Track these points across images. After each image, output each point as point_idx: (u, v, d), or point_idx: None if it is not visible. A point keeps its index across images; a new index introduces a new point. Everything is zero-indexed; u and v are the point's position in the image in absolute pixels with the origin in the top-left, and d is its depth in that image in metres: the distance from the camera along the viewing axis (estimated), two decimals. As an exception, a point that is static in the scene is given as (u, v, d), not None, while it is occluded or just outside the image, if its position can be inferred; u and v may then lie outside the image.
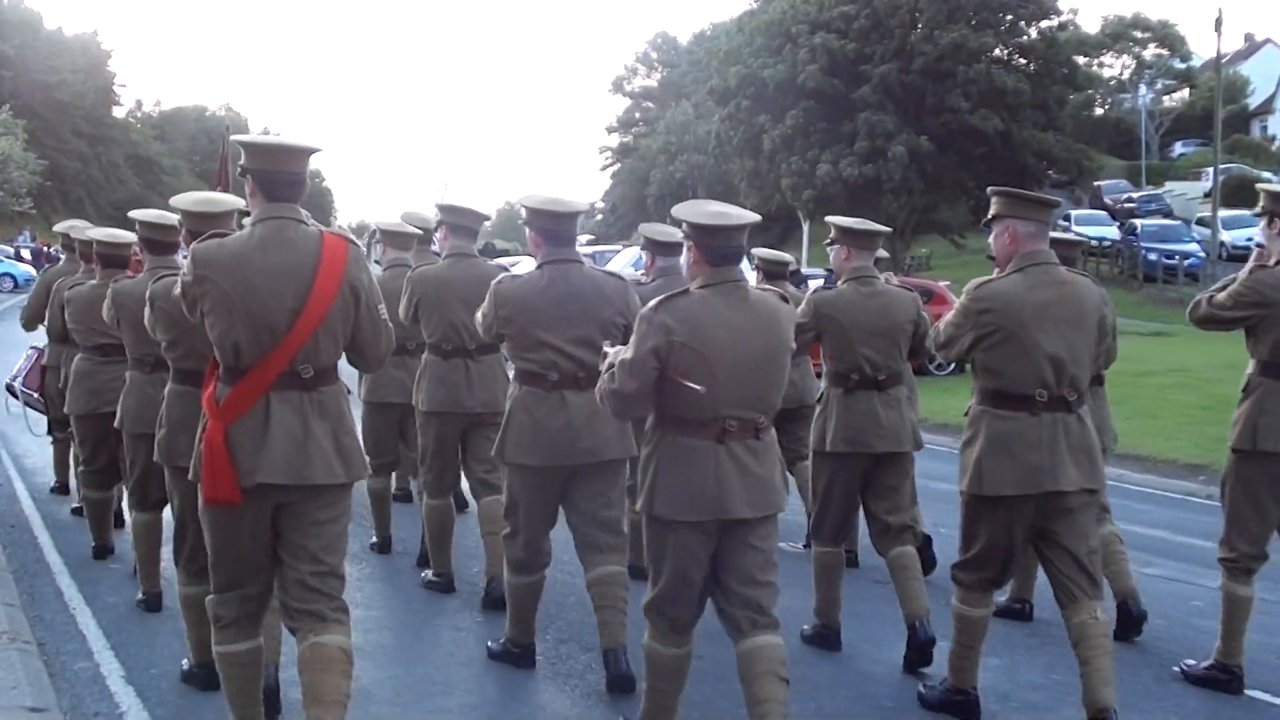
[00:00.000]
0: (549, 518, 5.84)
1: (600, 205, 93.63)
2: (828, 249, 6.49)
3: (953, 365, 21.19)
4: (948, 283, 26.77)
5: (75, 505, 9.29)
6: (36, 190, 69.26)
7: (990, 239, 5.31)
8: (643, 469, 4.69)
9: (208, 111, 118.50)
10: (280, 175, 4.36)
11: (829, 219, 6.60)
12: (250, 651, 4.56)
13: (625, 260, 29.50)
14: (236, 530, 4.34)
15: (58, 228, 9.68)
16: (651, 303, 4.60)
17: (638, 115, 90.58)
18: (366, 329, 4.45)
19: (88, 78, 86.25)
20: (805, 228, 46.29)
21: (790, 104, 40.12)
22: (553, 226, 5.76)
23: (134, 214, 6.10)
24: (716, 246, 4.58)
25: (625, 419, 5.33)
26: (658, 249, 7.54)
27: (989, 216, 5.33)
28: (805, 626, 6.50)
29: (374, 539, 8.42)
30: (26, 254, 51.39)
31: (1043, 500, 5.14)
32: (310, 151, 4.46)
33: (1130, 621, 6.71)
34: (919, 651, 6.11)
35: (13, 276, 45.90)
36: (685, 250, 4.78)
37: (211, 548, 4.45)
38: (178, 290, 4.52)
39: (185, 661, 5.67)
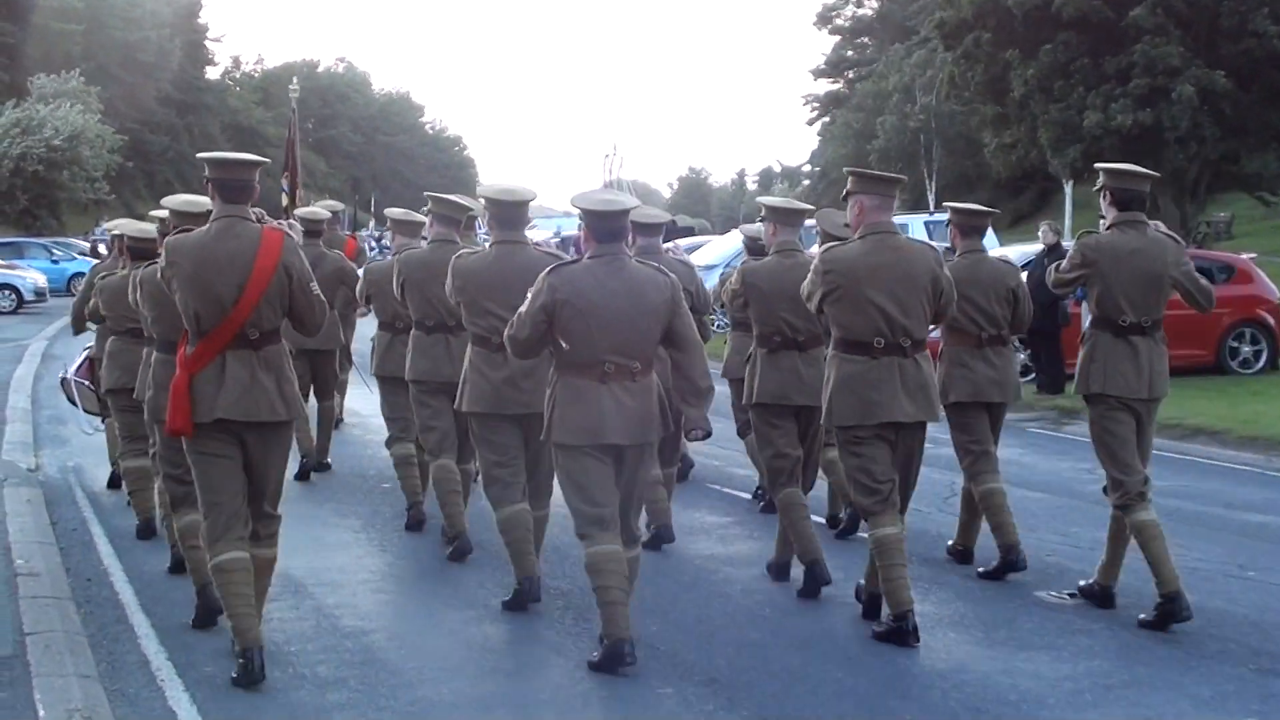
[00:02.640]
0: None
1: (805, 168, 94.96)
2: (1100, 213, 8.95)
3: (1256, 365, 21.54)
4: (1252, 255, 25.05)
5: (110, 477, 12.99)
6: (115, 171, 71.85)
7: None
8: (546, 405, 7.67)
9: (320, 68, 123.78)
10: (232, 182, 7.43)
11: (761, 199, 9.74)
12: (236, 560, 7.41)
13: (725, 247, 30.91)
14: (209, 455, 7.40)
15: (106, 226, 12.28)
16: (545, 269, 7.61)
17: (850, 54, 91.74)
18: (300, 301, 7.51)
19: (174, 34, 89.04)
20: (1068, 190, 46.87)
21: (1044, 36, 40.69)
22: (503, 214, 8.90)
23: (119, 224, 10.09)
24: (604, 227, 7.63)
25: (524, 359, 8.04)
26: (640, 230, 10.27)
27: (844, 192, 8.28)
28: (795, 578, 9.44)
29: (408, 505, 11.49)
30: (104, 249, 55.55)
31: (884, 429, 8.04)
32: (257, 164, 7.51)
33: (1008, 566, 9.69)
34: (812, 585, 9.18)
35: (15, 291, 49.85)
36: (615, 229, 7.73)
37: (196, 478, 7.51)
38: (159, 275, 7.49)
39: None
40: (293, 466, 12.31)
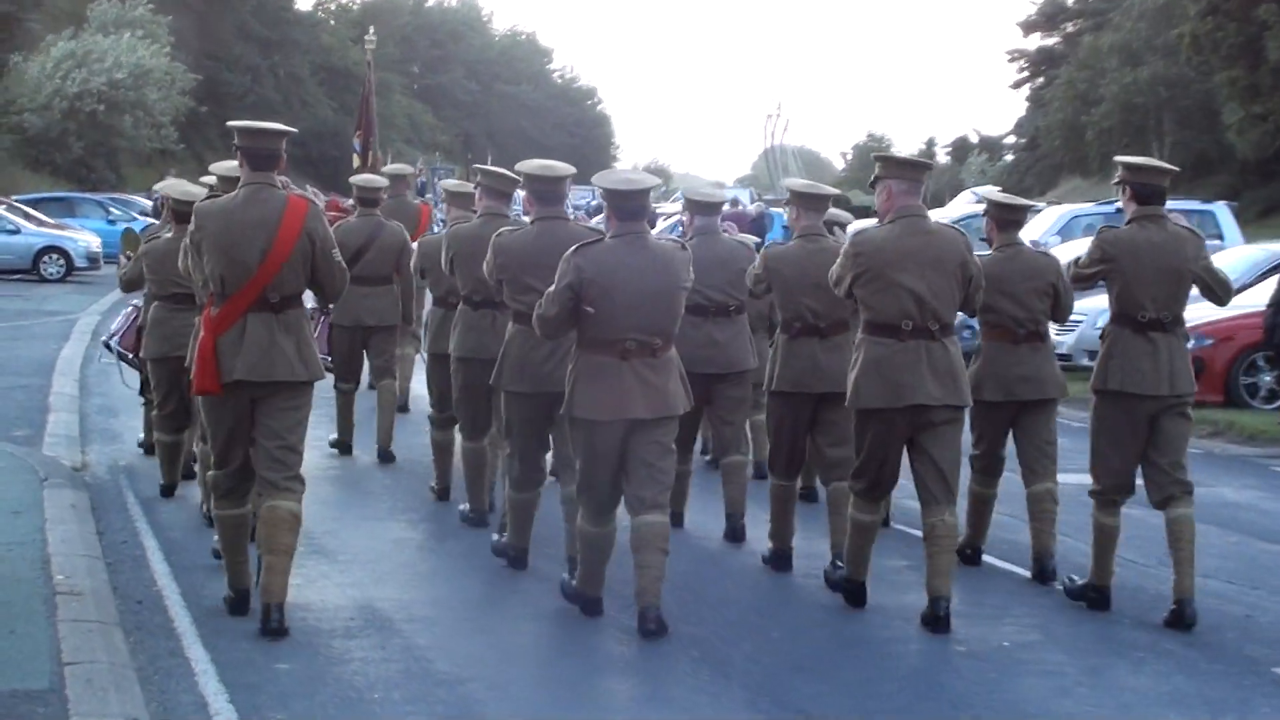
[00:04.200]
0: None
1: (1009, 139, 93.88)
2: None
3: None
4: None
5: (140, 440, 14.95)
6: (185, 116, 72.22)
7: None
8: (568, 381, 9.38)
9: (429, 1, 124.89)
10: (260, 151, 9.26)
11: (785, 181, 11.31)
12: (239, 515, 9.54)
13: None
14: (224, 417, 9.26)
15: (157, 186, 12.74)
16: (572, 248, 9.28)
17: (1071, 2, 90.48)
18: (322, 268, 9.27)
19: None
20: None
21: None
22: (543, 190, 10.42)
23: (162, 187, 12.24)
24: (625, 206, 9.37)
25: (552, 339, 9.73)
26: (697, 209, 12.34)
27: (873, 178, 9.92)
28: (764, 551, 11.36)
29: (433, 484, 13.46)
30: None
31: (912, 414, 9.51)
32: (283, 133, 9.38)
33: (1044, 576, 11.00)
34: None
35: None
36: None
37: (210, 433, 9.47)
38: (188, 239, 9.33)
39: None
40: (323, 440, 14.96)
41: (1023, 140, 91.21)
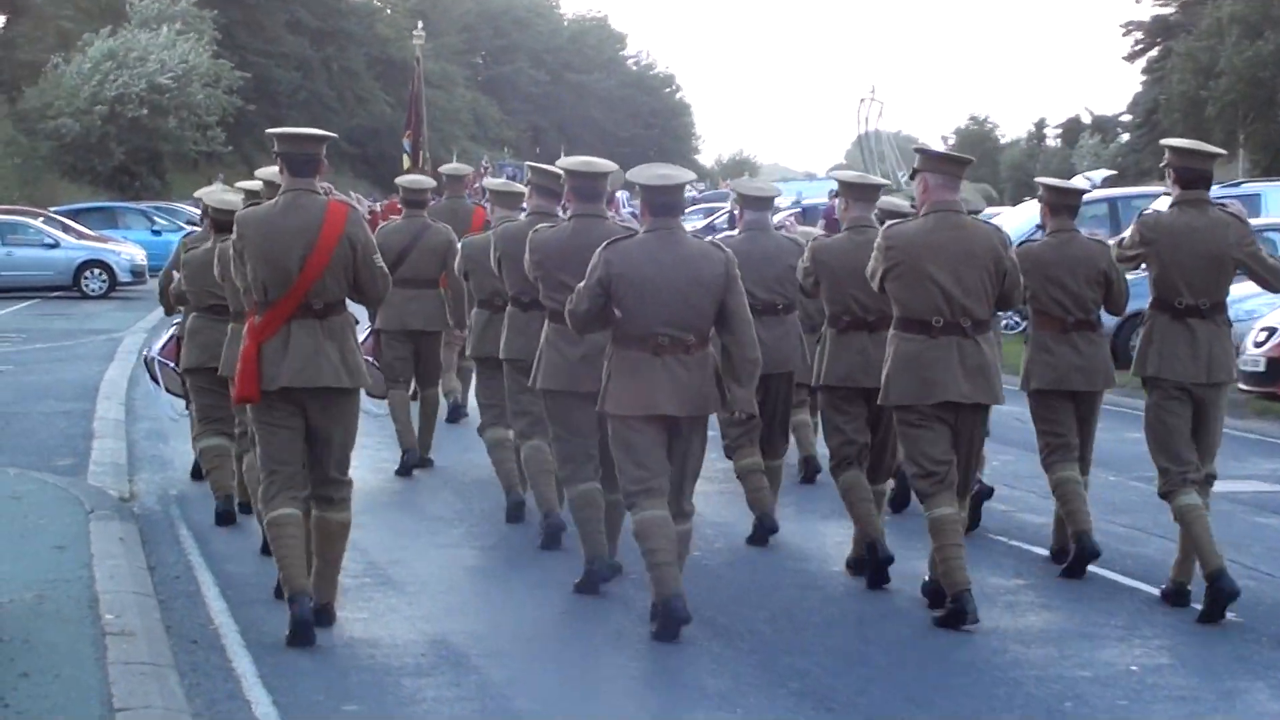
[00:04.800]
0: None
1: (1125, 118, 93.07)
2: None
3: None
4: None
5: (194, 466, 14.89)
6: (234, 117, 72.70)
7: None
8: (603, 377, 10.02)
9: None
10: (299, 156, 9.91)
11: (834, 173, 12.42)
12: (288, 516, 9.88)
13: (1020, 220, 30.61)
14: (272, 423, 9.90)
15: (198, 193, 13.28)
16: (603, 244, 9.97)
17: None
18: (363, 273, 9.91)
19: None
20: None
21: None
22: (581, 186, 11.14)
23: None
24: (659, 201, 10.03)
25: (584, 334, 10.37)
26: (748, 204, 12.90)
27: (911, 170, 10.58)
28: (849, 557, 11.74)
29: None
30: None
31: (941, 410, 10.06)
32: (322, 139, 10.07)
33: (1082, 557, 11.46)
34: (875, 570, 11.31)
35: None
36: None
37: (258, 439, 10.08)
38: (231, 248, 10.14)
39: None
40: (389, 463, 15.76)
41: (1138, 119, 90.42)
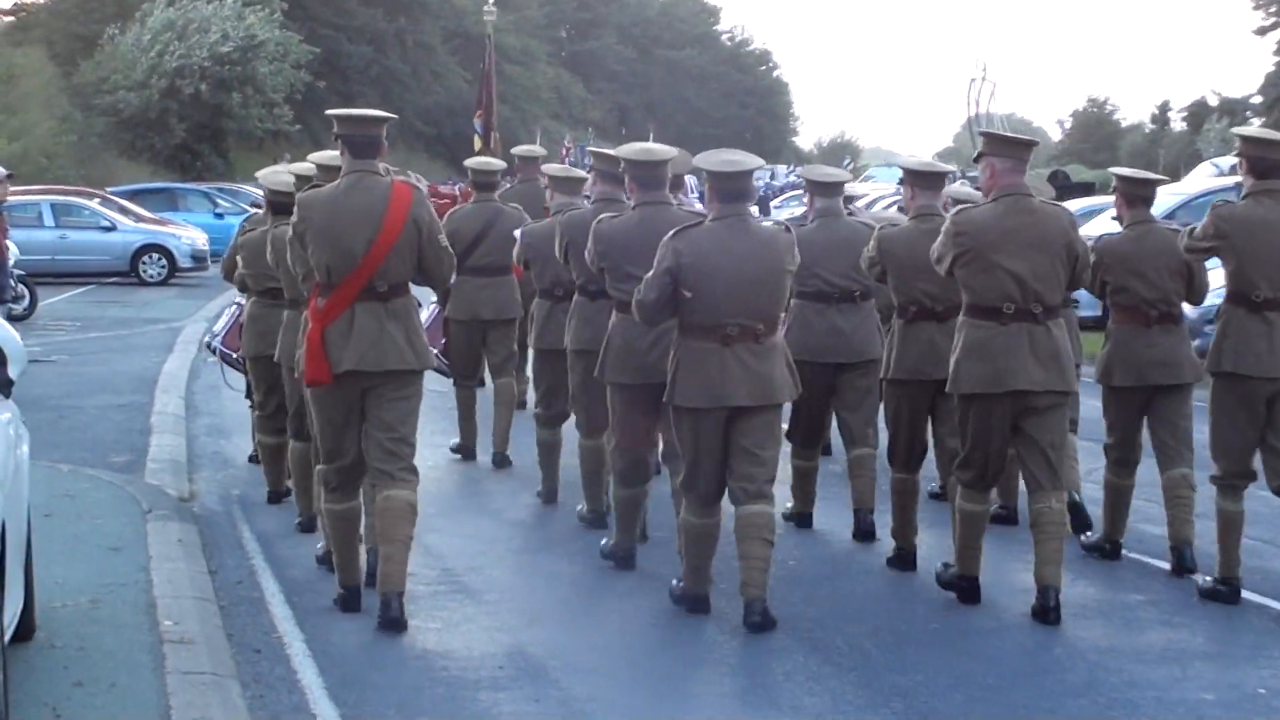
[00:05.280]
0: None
1: (1256, 99, 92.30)
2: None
3: None
4: None
5: (251, 453, 15.90)
6: (302, 93, 72.59)
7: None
8: (670, 369, 10.41)
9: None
10: (361, 138, 10.36)
11: (899, 161, 13.04)
12: (349, 509, 10.65)
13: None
14: (333, 409, 10.36)
15: (260, 174, 13.39)
16: (670, 232, 10.34)
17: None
18: (429, 254, 10.41)
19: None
20: None
21: None
22: (643, 174, 11.42)
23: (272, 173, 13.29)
24: (727, 188, 10.37)
25: (652, 325, 10.73)
26: (818, 190, 13.26)
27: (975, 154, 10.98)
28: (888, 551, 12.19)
29: (539, 489, 14.48)
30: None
31: (1013, 399, 10.46)
32: (383, 119, 10.50)
33: (1183, 567, 11.85)
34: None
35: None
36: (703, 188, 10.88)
37: (318, 426, 10.59)
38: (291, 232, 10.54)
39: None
40: (463, 465, 16.37)
41: (1269, 101, 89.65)
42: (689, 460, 10.56)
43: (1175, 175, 50.07)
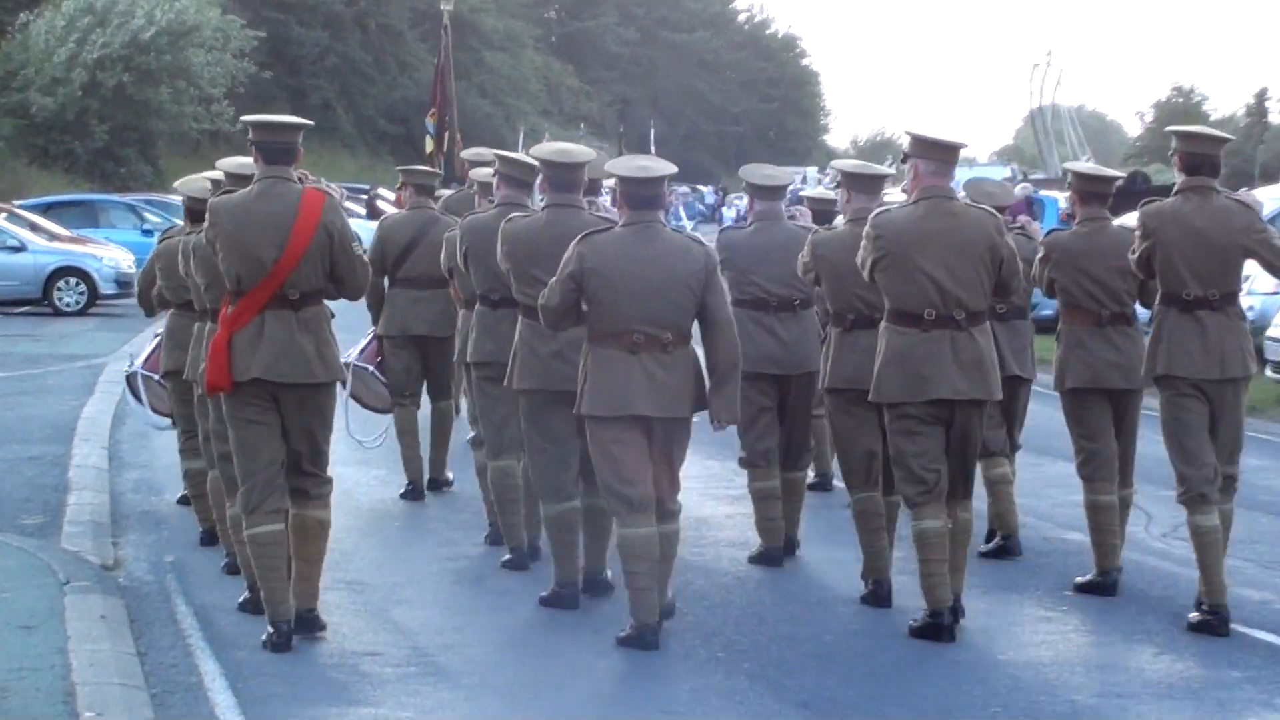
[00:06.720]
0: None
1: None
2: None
3: None
4: None
5: (181, 494, 16.62)
6: (244, 86, 72.66)
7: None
8: (579, 378, 11.63)
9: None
10: (274, 144, 11.59)
11: (835, 162, 13.53)
12: (273, 533, 11.54)
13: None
14: (246, 419, 11.46)
15: (178, 183, 14.31)
16: (578, 236, 11.57)
17: None
18: (341, 262, 11.57)
19: None
20: None
21: None
22: (556, 176, 12.77)
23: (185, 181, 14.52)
24: (638, 195, 11.69)
25: (556, 330, 12.04)
26: (758, 193, 14.59)
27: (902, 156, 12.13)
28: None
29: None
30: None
31: (934, 408, 11.60)
32: (299, 126, 11.78)
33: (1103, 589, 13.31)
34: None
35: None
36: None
37: (232, 441, 11.64)
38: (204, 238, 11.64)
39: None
40: (394, 487, 17.54)
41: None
42: (604, 477, 11.81)
43: (1271, 178, 50.03)
